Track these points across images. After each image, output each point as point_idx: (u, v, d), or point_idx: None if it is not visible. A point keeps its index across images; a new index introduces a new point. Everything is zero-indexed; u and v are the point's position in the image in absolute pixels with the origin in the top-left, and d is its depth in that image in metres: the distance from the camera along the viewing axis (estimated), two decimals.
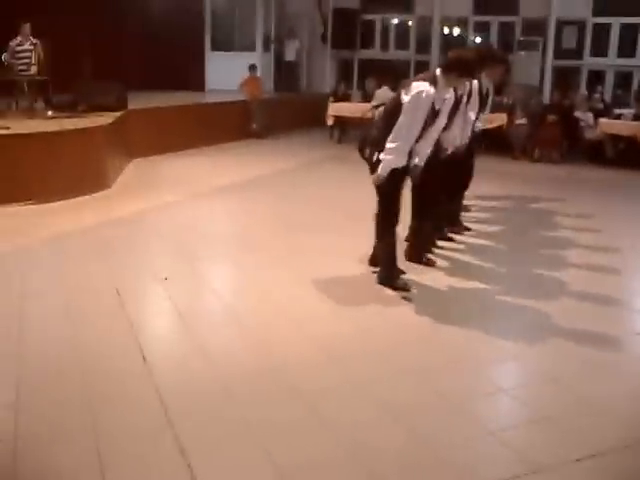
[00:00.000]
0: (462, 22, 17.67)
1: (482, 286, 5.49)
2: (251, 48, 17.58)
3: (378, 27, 18.45)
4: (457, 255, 6.33)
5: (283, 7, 18.40)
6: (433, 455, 3.05)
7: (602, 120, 12.98)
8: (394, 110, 5.01)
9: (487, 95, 7.09)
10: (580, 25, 16.83)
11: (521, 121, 13.33)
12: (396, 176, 5.08)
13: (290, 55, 18.12)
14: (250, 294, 5.24)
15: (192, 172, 10.49)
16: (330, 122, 14.51)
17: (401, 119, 4.92)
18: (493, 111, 12.66)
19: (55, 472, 2.87)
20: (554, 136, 13.03)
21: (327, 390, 3.62)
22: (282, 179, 10.24)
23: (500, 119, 13.18)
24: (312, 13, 18.34)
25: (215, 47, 17.64)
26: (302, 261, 5.98)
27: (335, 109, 14.41)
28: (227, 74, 15.71)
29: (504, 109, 13.45)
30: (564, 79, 16.50)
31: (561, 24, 16.90)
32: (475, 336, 4.44)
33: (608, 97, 15.60)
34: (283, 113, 15.95)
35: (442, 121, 5.37)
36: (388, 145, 4.96)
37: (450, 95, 5.36)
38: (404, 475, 2.91)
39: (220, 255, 6.35)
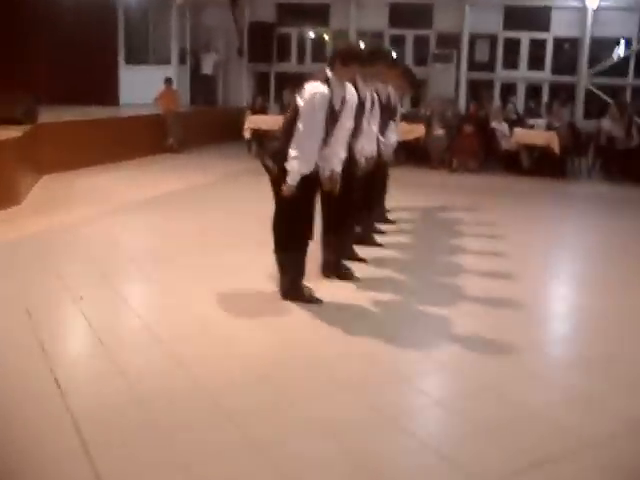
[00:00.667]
0: (378, 35, 17.81)
1: (397, 298, 5.42)
2: (166, 61, 17.27)
3: (294, 40, 18.43)
4: (369, 267, 6.21)
5: (199, 20, 18.19)
6: (366, 470, 2.92)
7: (517, 130, 13.29)
8: (292, 116, 4.85)
9: (395, 106, 7.12)
10: (492, 39, 17.22)
11: (439, 132, 13.51)
12: (307, 185, 4.91)
13: (207, 68, 17.90)
14: (168, 311, 5.01)
15: (105, 187, 10.13)
16: (247, 135, 14.36)
17: (299, 124, 4.76)
18: (411, 122, 12.93)
19: None
20: (471, 146, 13.24)
21: (254, 409, 3.44)
22: (198, 193, 10.02)
23: (418, 131, 13.36)
24: (228, 26, 18.18)
25: (129, 60, 17.24)
26: (220, 276, 5.76)
27: (252, 122, 14.27)
28: (142, 88, 15.35)
29: (421, 121, 13.65)
30: (479, 91, 16.84)
31: (474, 38, 17.27)
32: (398, 347, 4.35)
33: (520, 108, 16.00)
34: (200, 127, 15.71)
35: (348, 123, 5.21)
36: (291, 153, 4.78)
37: (351, 95, 5.18)
38: None
39: (136, 271, 6.08)
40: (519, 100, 16.79)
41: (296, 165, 4.80)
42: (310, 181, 4.98)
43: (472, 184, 11.97)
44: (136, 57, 17.32)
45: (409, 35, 17.82)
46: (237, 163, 13.24)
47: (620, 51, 16.79)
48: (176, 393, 3.59)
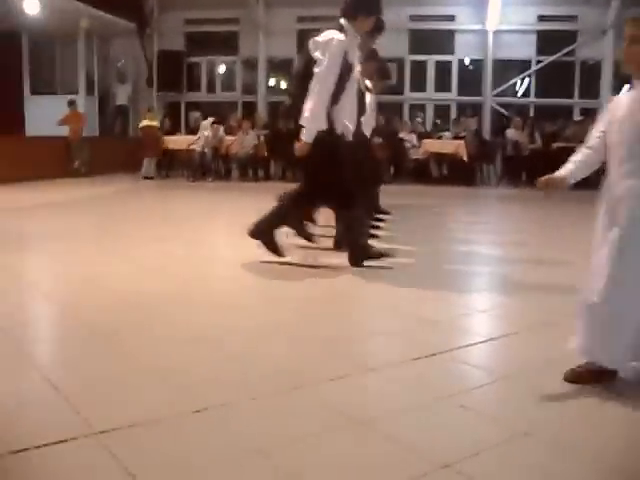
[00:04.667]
0: (287, 63, 17.93)
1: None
2: (74, 92, 16.86)
3: (204, 69, 18.35)
4: None
5: (107, 49, 17.94)
6: None
7: (426, 140, 13.48)
8: (305, 70, 4.57)
9: (363, 95, 6.38)
10: (399, 62, 17.51)
11: None
12: (324, 145, 4.54)
13: (122, 99, 17.65)
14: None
15: None
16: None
17: (315, 73, 4.47)
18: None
19: None
20: (382, 157, 13.31)
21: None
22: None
23: None
24: (137, 56, 17.98)
25: (35, 91, 16.77)
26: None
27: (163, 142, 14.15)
28: (48, 119, 14.90)
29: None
30: (387, 110, 17.02)
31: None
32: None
33: (429, 126, 16.27)
34: (109, 155, 15.32)
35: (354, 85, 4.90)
36: (305, 107, 4.46)
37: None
38: None
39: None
40: (428, 119, 17.07)
41: (310, 120, 4.48)
42: (328, 143, 4.60)
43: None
44: (42, 87, 16.87)
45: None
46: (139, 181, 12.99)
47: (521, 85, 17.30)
48: None
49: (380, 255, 4.88)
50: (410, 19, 16.62)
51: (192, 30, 18.00)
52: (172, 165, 14.70)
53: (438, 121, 16.50)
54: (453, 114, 17.07)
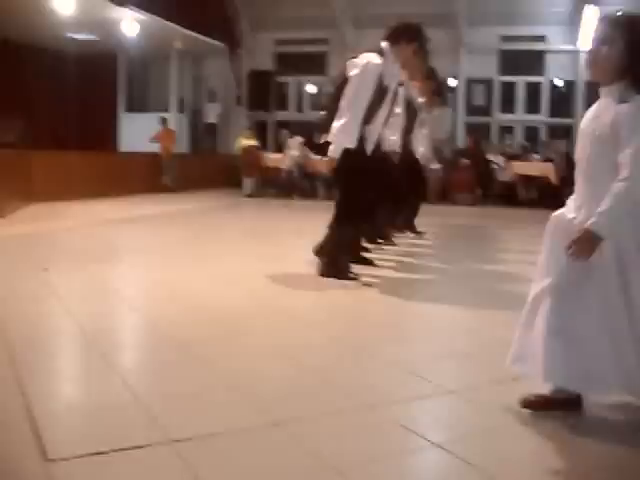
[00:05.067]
0: None
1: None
2: (165, 109, 17.35)
3: (292, 89, 18.57)
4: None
5: (198, 69, 18.41)
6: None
7: (514, 162, 13.22)
8: (341, 86, 4.71)
9: (415, 110, 6.59)
10: (488, 83, 17.29)
11: (435, 166, 13.41)
12: (354, 161, 4.65)
13: (212, 117, 18.07)
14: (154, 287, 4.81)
15: (91, 210, 10.09)
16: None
17: (347, 91, 4.61)
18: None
19: None
20: (468, 180, 13.15)
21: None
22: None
23: None
24: (227, 75, 18.37)
25: (129, 108, 17.37)
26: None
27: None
28: (141, 135, 15.37)
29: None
30: (476, 130, 16.80)
31: (470, 82, 17.35)
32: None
33: (517, 148, 15.97)
34: (197, 171, 15.68)
35: (398, 108, 5.14)
36: (335, 124, 4.60)
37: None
38: None
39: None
40: (516, 141, 16.76)
41: (338, 136, 4.60)
42: (359, 159, 4.71)
43: (469, 212, 11.80)
44: (136, 105, 17.44)
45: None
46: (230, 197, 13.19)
47: None
48: None
49: (351, 279, 4.88)
50: (501, 39, 16.38)
51: (282, 50, 18.28)
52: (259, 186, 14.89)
53: (527, 144, 16.15)
54: (543, 136, 16.73)
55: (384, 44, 4.80)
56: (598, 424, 2.45)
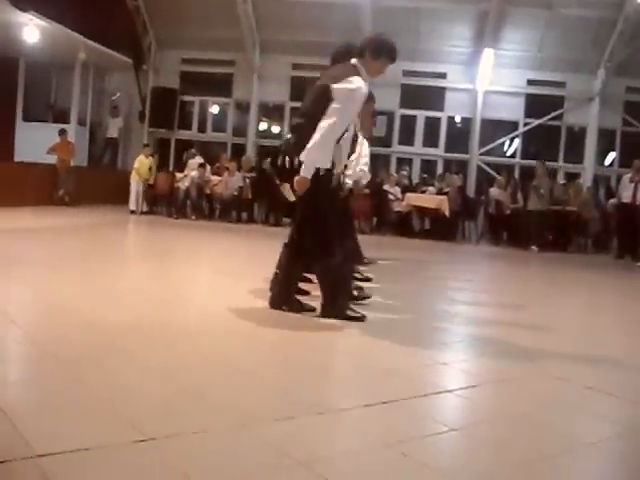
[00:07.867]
0: (279, 108, 18.17)
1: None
2: (65, 121, 16.95)
3: (196, 109, 18.53)
4: None
5: (102, 82, 18.12)
6: None
7: (409, 194, 13.62)
8: (319, 106, 4.38)
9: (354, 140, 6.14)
10: (390, 116, 17.73)
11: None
12: (326, 183, 4.44)
13: (113, 132, 17.77)
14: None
15: None
16: None
17: (333, 115, 4.29)
18: None
19: None
20: (365, 208, 13.43)
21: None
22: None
23: None
24: (131, 91, 18.17)
25: (28, 117, 16.84)
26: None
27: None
28: (39, 146, 14.93)
29: None
30: (374, 161, 17.17)
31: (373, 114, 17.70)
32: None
33: (415, 179, 16.44)
34: (95, 186, 15.35)
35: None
36: (312, 141, 4.28)
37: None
38: None
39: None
40: (414, 173, 17.24)
41: (314, 154, 4.32)
42: (330, 183, 4.53)
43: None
44: (35, 115, 16.95)
45: None
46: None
47: (509, 146, 17.58)
48: None
49: (355, 319, 4.65)
50: (403, 74, 16.86)
51: (188, 69, 18.24)
52: (155, 201, 14.78)
53: (425, 175, 16.66)
54: (439, 169, 17.28)
55: (354, 61, 4.60)
56: None
